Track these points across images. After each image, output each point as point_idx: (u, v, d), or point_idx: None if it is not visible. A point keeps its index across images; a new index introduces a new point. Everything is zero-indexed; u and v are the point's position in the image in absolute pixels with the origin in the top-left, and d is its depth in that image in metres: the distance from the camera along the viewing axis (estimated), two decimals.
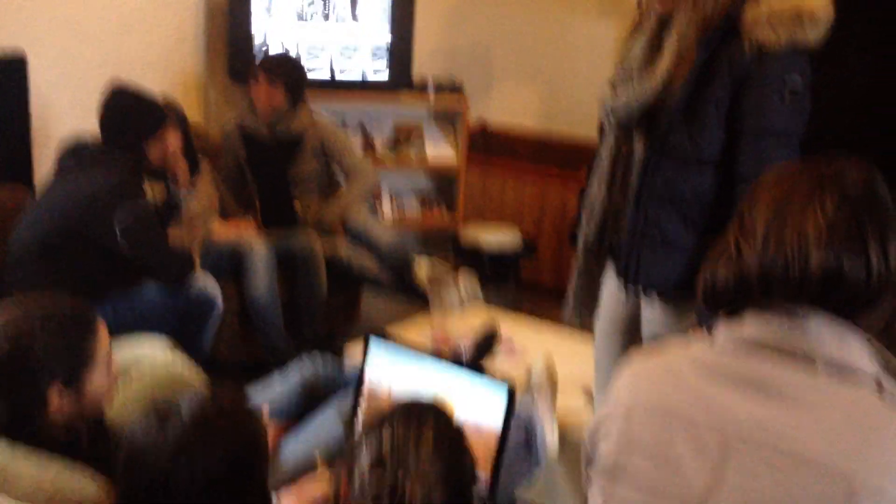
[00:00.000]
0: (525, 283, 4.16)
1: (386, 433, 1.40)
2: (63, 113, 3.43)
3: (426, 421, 1.42)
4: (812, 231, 1.11)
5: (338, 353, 2.63)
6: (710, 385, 1.14)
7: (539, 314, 3.44)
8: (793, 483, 1.05)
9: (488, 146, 4.57)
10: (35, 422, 1.63)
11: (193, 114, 3.93)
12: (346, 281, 3.52)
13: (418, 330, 2.75)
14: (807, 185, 1.15)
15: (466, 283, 3.09)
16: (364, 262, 3.42)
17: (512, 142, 4.59)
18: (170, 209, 3.02)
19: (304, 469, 1.98)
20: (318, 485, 1.84)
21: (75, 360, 1.67)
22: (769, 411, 1.09)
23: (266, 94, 3.46)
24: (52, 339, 1.64)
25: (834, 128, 2.62)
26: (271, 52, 3.77)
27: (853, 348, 1.11)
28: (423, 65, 4.37)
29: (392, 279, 3.37)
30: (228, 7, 3.83)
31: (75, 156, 2.78)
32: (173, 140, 3.01)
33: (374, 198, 3.92)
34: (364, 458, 1.39)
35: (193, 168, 3.34)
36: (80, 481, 1.44)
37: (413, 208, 4.35)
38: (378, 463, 1.38)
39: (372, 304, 3.85)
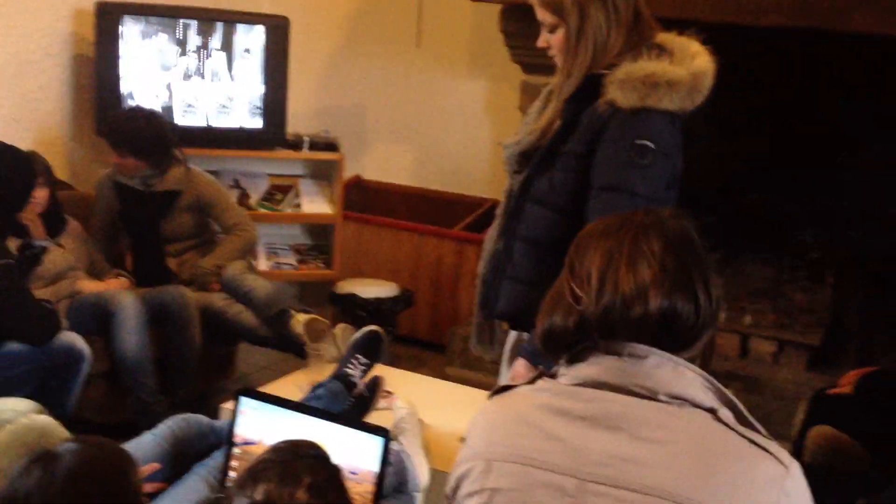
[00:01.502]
0: (402, 337, 4.20)
1: (257, 489, 1.36)
2: None
3: (301, 468, 1.39)
4: (647, 276, 1.19)
5: (212, 411, 2.58)
6: (561, 428, 1.19)
7: (418, 366, 3.48)
8: None
9: (364, 202, 4.62)
10: None
11: (59, 171, 3.82)
12: (222, 335, 3.46)
13: (296, 382, 2.74)
14: (632, 233, 1.23)
15: (343, 335, 3.10)
16: (240, 315, 3.38)
17: (387, 197, 4.65)
18: (28, 262, 2.94)
19: None
20: None
21: None
22: (618, 448, 1.15)
23: (118, 162, 3.43)
24: None
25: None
26: (121, 110, 3.66)
27: (689, 381, 1.19)
28: (299, 122, 4.41)
29: (269, 332, 3.34)
30: (95, 63, 3.77)
31: None
32: (41, 196, 2.95)
33: (252, 252, 3.89)
34: None
35: (60, 225, 3.26)
36: None
37: (289, 262, 4.34)
38: None
39: (248, 358, 3.80)
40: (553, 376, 1.27)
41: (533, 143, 2.04)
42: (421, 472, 2.13)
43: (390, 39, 4.63)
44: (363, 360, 2.68)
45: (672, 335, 1.20)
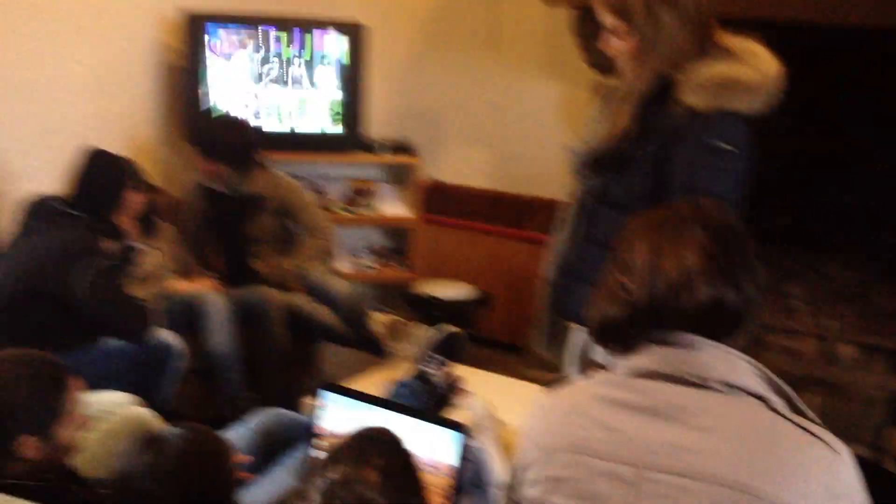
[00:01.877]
0: (479, 338, 4.25)
1: (335, 469, 1.43)
2: (21, 175, 3.48)
3: (373, 451, 1.45)
4: (692, 264, 1.23)
5: (295, 406, 2.68)
6: (616, 419, 1.24)
7: (494, 367, 3.51)
8: (699, 501, 1.15)
9: (441, 204, 4.69)
10: (3, 470, 1.68)
11: (152, 175, 3.99)
12: (305, 334, 3.58)
13: (374, 380, 2.82)
14: (676, 224, 1.28)
15: (422, 334, 3.17)
16: (322, 315, 3.49)
17: (464, 200, 4.72)
18: (123, 264, 3.09)
19: None
20: None
21: (46, 413, 1.75)
22: (673, 437, 1.19)
23: (204, 167, 3.56)
24: (26, 393, 1.72)
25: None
26: (208, 117, 3.80)
27: (741, 369, 1.23)
28: (377, 126, 4.51)
29: (349, 332, 3.44)
30: (183, 71, 3.93)
31: (39, 214, 2.84)
32: (136, 200, 3.10)
33: (332, 254, 4.00)
34: (315, 498, 1.42)
35: (152, 227, 3.42)
36: None
37: (368, 264, 4.43)
38: (327, 501, 1.40)
39: (330, 357, 3.90)
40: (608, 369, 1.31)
41: (606, 147, 2.07)
42: (498, 469, 2.18)
43: (466, 45, 4.69)
44: (442, 359, 2.74)
45: (719, 323, 1.24)
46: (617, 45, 2.02)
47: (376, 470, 1.40)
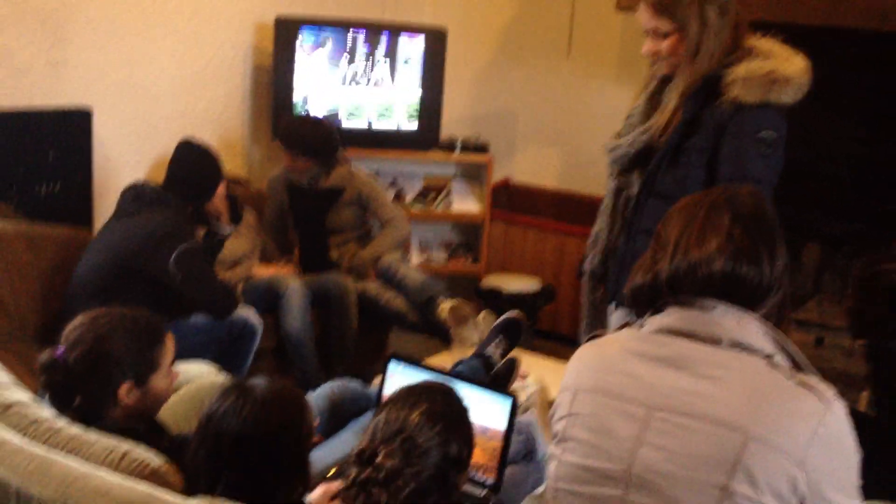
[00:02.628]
0: (543, 331, 4.39)
1: (387, 409, 1.60)
2: (122, 165, 3.76)
3: (424, 396, 1.61)
4: (713, 244, 1.38)
5: (366, 381, 2.87)
6: (636, 366, 1.41)
7: (558, 359, 3.65)
8: (699, 438, 1.32)
9: (511, 202, 4.85)
10: (104, 413, 1.90)
11: (239, 169, 4.26)
12: (376, 319, 3.78)
13: (440, 362, 2.99)
14: (707, 206, 1.44)
15: (485, 322, 3.33)
16: (393, 302, 3.68)
17: (533, 199, 4.87)
18: (212, 247, 3.33)
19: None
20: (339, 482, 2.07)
21: (146, 364, 1.95)
22: (682, 383, 1.36)
23: (290, 163, 3.77)
24: (129, 344, 1.93)
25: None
26: (295, 117, 4.01)
27: (750, 330, 1.38)
28: (453, 126, 4.70)
29: (417, 318, 3.63)
30: (273, 72, 4.18)
31: (135, 199, 3.09)
32: (222, 190, 3.34)
33: (405, 246, 4.20)
34: (364, 440, 1.59)
35: (236, 216, 3.66)
36: (146, 453, 1.70)
37: (440, 256, 4.62)
38: (371, 439, 1.57)
39: (399, 341, 4.09)
40: (640, 327, 1.47)
41: (646, 142, 2.21)
42: (546, 442, 2.32)
43: (542, 49, 4.84)
44: (504, 342, 2.89)
45: (739, 294, 1.39)
46: (657, 46, 2.15)
47: (420, 413, 1.57)
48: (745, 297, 1.39)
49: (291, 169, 3.81)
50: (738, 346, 1.37)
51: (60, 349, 1.91)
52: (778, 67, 2.06)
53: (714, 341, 1.37)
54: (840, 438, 1.31)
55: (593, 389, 1.44)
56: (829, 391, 1.33)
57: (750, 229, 1.40)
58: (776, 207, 2.11)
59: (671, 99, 2.19)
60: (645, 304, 1.47)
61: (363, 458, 1.54)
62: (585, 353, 1.52)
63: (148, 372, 1.95)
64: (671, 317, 1.42)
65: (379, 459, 1.52)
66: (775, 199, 2.11)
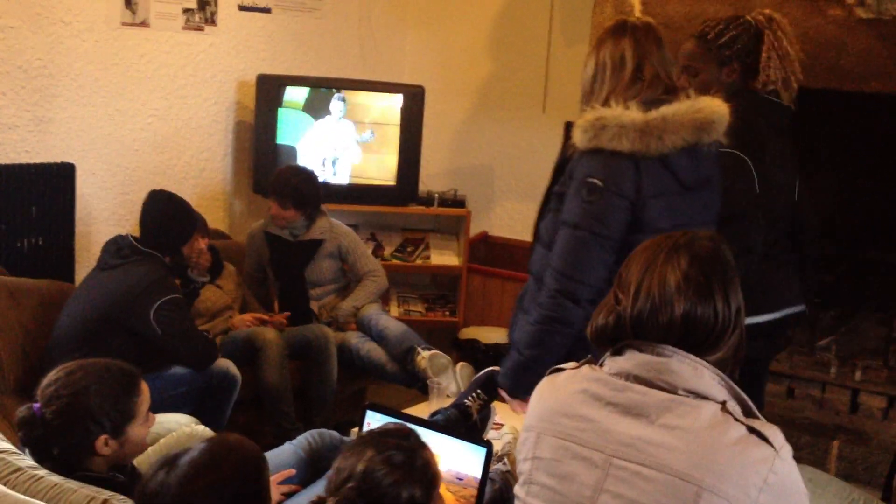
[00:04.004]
0: None
1: (347, 457, 1.60)
2: (104, 219, 3.81)
3: (371, 443, 1.60)
4: (672, 284, 1.44)
5: (343, 432, 2.90)
6: (592, 411, 1.46)
7: None
8: (655, 488, 1.37)
9: (490, 256, 4.92)
10: (83, 464, 1.93)
11: (220, 223, 4.32)
12: (356, 370, 3.81)
13: (417, 412, 3.01)
14: (667, 249, 1.50)
15: (463, 373, 3.37)
16: (372, 353, 3.72)
17: (511, 252, 4.94)
18: (191, 299, 3.36)
19: None
20: None
21: (122, 415, 1.98)
22: (639, 432, 1.41)
23: (279, 213, 3.82)
24: (105, 397, 1.95)
25: None
26: (285, 168, 4.03)
27: (705, 379, 1.44)
28: (431, 181, 4.79)
29: (396, 370, 3.66)
30: (254, 128, 4.26)
31: (116, 252, 3.12)
32: (202, 243, 3.38)
33: (384, 298, 4.25)
34: (330, 489, 1.60)
35: (218, 268, 3.71)
36: (126, 501, 1.72)
37: (418, 308, 4.67)
38: (326, 489, 1.58)
39: (378, 392, 4.11)
40: (600, 364, 1.52)
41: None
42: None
43: (518, 106, 4.95)
44: (483, 395, 2.92)
45: (696, 337, 1.44)
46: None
47: (376, 453, 1.57)
48: (702, 338, 1.45)
49: (279, 218, 3.83)
50: (692, 393, 1.42)
51: (37, 405, 1.94)
52: (614, 115, 2.05)
53: (671, 388, 1.43)
54: (789, 485, 1.37)
55: (553, 433, 1.48)
56: (778, 436, 1.39)
57: (706, 272, 1.46)
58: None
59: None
60: (607, 343, 1.52)
61: None
62: (545, 389, 1.57)
63: (124, 423, 1.98)
64: (629, 362, 1.47)
65: None
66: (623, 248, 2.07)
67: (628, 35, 2.20)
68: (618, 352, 1.50)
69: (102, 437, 1.94)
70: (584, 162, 2.11)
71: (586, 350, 1.70)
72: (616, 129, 2.05)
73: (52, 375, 1.99)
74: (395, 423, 1.77)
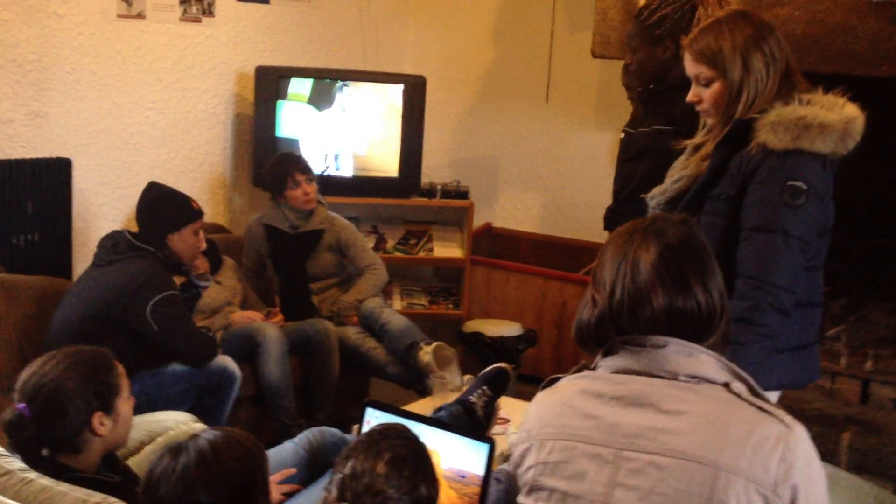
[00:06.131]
0: (525, 376, 4.37)
1: (349, 462, 1.56)
2: (101, 214, 3.77)
3: (383, 445, 1.57)
4: (645, 277, 1.39)
5: (345, 429, 2.85)
6: (596, 408, 1.41)
7: None
8: (671, 475, 1.32)
9: (493, 248, 4.87)
10: (77, 459, 1.90)
11: (220, 216, 4.27)
12: (356, 367, 3.76)
13: (419, 409, 2.97)
14: (636, 241, 1.44)
15: (466, 372, 3.33)
16: (373, 351, 3.67)
17: (515, 243, 4.89)
18: (190, 297, 3.32)
19: None
20: None
21: (108, 389, 2.00)
22: (647, 421, 1.36)
23: (311, 189, 3.75)
24: (86, 376, 1.96)
25: None
26: (281, 154, 3.99)
27: (705, 363, 1.39)
28: (433, 172, 4.73)
29: (397, 370, 3.62)
30: (254, 120, 4.20)
31: (112, 247, 3.08)
32: (199, 236, 3.32)
33: (386, 291, 4.20)
34: (332, 491, 1.56)
35: (217, 263, 3.65)
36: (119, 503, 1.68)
37: (421, 302, 4.62)
38: (341, 494, 1.54)
39: (380, 388, 4.07)
40: (593, 368, 1.48)
41: (679, 190, 2.16)
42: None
43: (521, 95, 4.90)
44: (488, 391, 2.87)
45: (684, 328, 1.40)
46: (700, 94, 2.10)
47: (384, 462, 1.54)
48: (690, 330, 1.40)
49: (305, 199, 3.75)
50: (695, 378, 1.38)
51: (21, 405, 1.93)
52: (813, 114, 1.97)
53: (671, 376, 1.39)
54: (807, 459, 1.33)
55: (559, 436, 1.44)
56: (787, 415, 1.36)
57: (679, 261, 1.40)
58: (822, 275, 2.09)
59: (707, 147, 2.14)
60: (592, 341, 1.48)
61: None
62: (543, 399, 1.53)
63: (112, 396, 2.00)
64: (625, 359, 1.43)
65: None
66: (815, 264, 2.03)
67: (766, 30, 2.08)
68: (610, 352, 1.47)
69: (97, 415, 1.96)
70: (787, 164, 1.98)
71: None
72: (818, 129, 1.96)
73: (25, 373, 1.99)
74: (390, 423, 1.73)
